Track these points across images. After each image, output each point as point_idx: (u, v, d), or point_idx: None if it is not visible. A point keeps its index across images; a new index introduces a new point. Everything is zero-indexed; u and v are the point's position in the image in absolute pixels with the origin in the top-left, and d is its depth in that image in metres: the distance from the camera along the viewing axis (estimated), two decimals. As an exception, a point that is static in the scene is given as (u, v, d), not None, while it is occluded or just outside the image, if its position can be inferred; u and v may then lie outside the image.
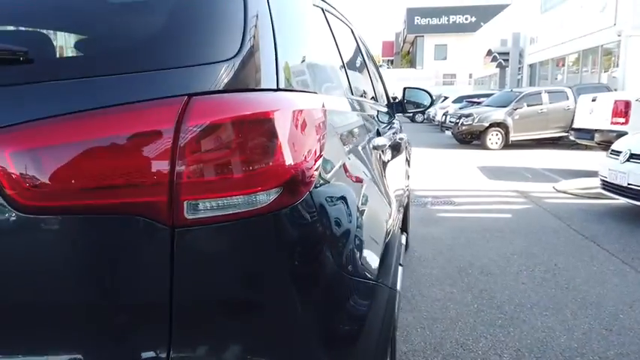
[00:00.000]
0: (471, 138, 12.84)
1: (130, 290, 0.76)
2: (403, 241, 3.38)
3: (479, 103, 14.93)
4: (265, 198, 0.79)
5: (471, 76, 36.68)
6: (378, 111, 2.24)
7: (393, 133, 2.58)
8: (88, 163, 0.73)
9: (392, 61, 58.64)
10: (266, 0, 0.96)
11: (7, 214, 0.73)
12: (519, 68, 24.21)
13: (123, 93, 0.76)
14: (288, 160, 0.81)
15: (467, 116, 12.55)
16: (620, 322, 2.69)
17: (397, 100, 3.20)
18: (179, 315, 0.76)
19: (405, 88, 3.17)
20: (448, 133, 15.44)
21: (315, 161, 0.90)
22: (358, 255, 1.06)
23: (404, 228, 3.59)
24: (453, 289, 3.20)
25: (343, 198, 1.05)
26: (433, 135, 17.25)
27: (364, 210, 1.20)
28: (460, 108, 16.31)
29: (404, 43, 50.53)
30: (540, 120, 12.02)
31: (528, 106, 12.12)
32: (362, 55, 2.39)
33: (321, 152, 0.93)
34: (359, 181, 1.23)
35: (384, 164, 1.79)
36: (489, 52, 26.21)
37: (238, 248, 0.80)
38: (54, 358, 0.78)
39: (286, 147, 0.81)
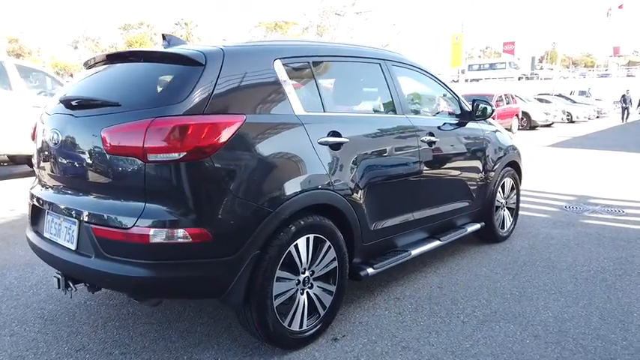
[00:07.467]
0: None
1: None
2: (476, 227, 4.04)
3: None
4: (182, 155, 2.12)
5: None
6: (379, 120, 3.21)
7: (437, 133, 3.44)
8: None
9: None
10: (216, 75, 2.28)
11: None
12: None
13: (134, 116, 2.20)
14: (194, 142, 2.13)
15: None
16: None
17: (469, 110, 3.90)
18: (148, 191, 2.17)
19: (473, 100, 3.87)
20: None
21: (214, 145, 2.17)
22: (242, 188, 2.26)
23: (485, 218, 4.19)
24: (501, 271, 3.73)
25: (232, 166, 2.23)
26: None
27: (255, 172, 2.30)
28: None
29: None
30: None
31: None
32: (387, 85, 3.27)
33: (221, 141, 2.19)
34: (253, 155, 2.30)
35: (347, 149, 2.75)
36: None
37: (175, 172, 2.14)
38: None
39: (192, 136, 2.13)
